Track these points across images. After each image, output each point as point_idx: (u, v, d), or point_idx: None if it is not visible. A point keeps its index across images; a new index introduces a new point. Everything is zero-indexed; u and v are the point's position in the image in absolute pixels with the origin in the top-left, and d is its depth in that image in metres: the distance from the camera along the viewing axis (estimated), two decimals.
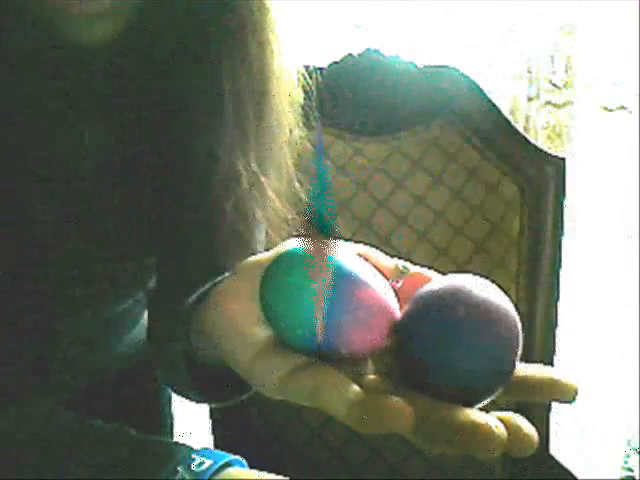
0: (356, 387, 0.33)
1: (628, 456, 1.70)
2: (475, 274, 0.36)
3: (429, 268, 0.41)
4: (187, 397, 0.50)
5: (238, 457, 0.47)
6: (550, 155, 0.84)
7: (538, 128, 3.83)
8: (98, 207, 0.56)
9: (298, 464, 0.88)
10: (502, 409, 0.34)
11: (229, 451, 0.47)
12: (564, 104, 3.83)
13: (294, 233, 0.58)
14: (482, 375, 0.34)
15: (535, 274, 0.85)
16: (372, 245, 0.43)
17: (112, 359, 0.72)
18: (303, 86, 0.58)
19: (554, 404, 0.39)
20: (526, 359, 0.36)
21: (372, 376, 0.37)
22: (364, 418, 0.32)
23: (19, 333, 0.53)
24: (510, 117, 0.86)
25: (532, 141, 0.85)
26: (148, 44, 0.51)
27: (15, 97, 0.49)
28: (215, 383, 0.48)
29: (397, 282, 0.41)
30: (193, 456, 0.45)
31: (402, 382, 0.36)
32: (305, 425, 0.87)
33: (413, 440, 0.33)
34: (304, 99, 0.58)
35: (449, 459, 0.87)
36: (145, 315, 0.65)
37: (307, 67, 0.60)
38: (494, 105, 0.84)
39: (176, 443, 0.48)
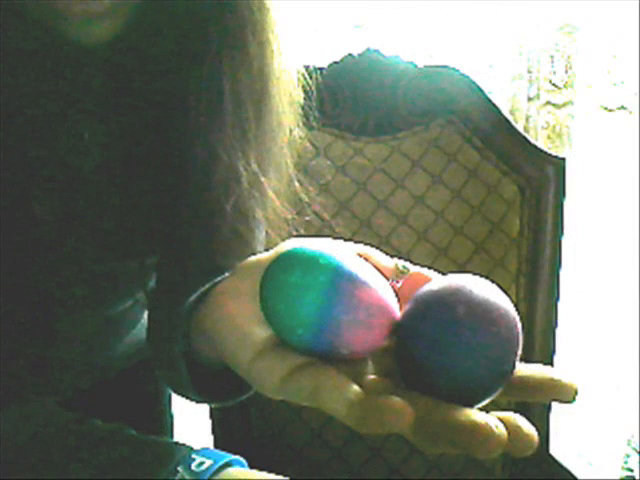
0: (356, 387, 0.33)
1: (628, 456, 1.70)
2: (475, 274, 0.36)
3: (429, 268, 0.41)
4: (187, 397, 0.49)
5: (238, 457, 0.47)
6: (550, 155, 0.84)
7: (538, 128, 3.83)
8: (98, 207, 0.56)
9: (298, 464, 0.88)
10: (502, 409, 0.34)
11: (229, 451, 0.47)
12: (564, 104, 3.83)
13: (294, 233, 0.58)
14: (482, 375, 0.34)
15: (535, 274, 0.85)
16: (372, 245, 0.43)
17: (112, 359, 0.72)
18: (303, 86, 0.58)
19: (554, 404, 0.39)
20: (526, 359, 0.36)
21: (372, 376, 0.37)
22: (364, 418, 0.32)
23: (19, 333, 0.53)
24: (510, 117, 0.86)
25: (532, 141, 0.85)
26: (148, 44, 0.51)
27: (15, 97, 0.49)
28: (215, 383, 0.48)
29: (397, 282, 0.41)
30: (193, 456, 0.45)
31: (402, 382, 0.36)
32: (305, 425, 0.87)
33: (413, 440, 0.33)
34: (304, 99, 0.58)
35: (449, 459, 0.87)
36: (145, 315, 0.65)
37: (307, 67, 0.60)
38: (494, 105, 0.84)
39: (176, 443, 0.48)
